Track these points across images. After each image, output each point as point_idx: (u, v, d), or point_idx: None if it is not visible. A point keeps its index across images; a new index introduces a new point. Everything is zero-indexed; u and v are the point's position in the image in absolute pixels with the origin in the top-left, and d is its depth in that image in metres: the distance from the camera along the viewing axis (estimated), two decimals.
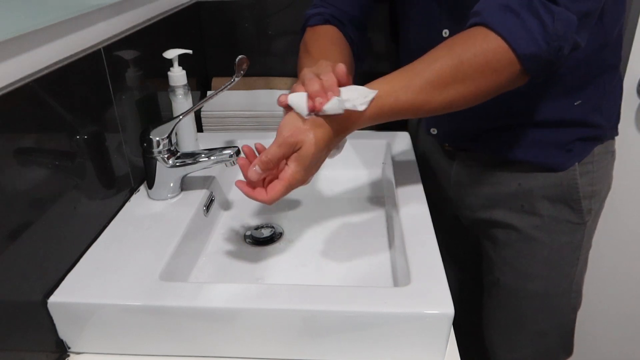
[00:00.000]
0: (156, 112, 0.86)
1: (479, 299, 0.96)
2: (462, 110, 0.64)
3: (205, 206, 0.79)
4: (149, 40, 0.83)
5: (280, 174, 0.60)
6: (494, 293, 0.90)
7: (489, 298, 0.92)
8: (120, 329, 0.58)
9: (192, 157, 0.76)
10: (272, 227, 0.82)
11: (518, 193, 0.81)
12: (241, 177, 0.62)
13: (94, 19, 0.68)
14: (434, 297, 0.56)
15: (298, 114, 0.59)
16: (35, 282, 0.56)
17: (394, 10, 0.89)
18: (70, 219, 0.62)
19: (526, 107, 0.76)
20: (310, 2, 0.86)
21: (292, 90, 0.62)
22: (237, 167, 0.73)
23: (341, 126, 0.60)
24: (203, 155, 0.75)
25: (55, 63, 0.60)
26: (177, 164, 0.75)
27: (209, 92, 1.11)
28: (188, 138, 0.88)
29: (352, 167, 0.99)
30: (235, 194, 0.92)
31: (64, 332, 0.59)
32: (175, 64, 0.81)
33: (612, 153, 0.84)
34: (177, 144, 0.80)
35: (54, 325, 0.58)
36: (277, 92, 1.08)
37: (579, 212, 0.80)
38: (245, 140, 0.94)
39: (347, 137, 0.65)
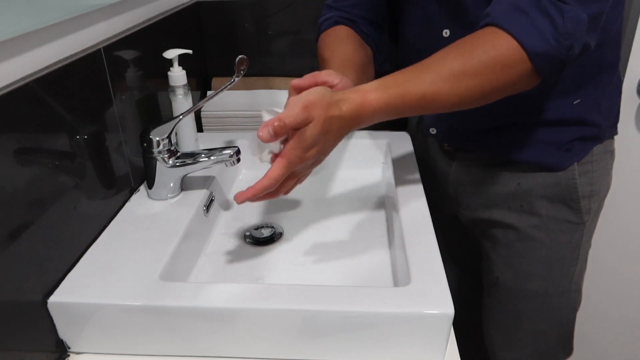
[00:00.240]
0: (156, 112, 0.86)
1: (478, 298, 0.96)
2: (461, 110, 0.64)
3: (205, 206, 0.79)
4: (149, 40, 0.83)
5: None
6: (493, 293, 0.90)
7: (489, 298, 0.92)
8: (120, 329, 0.58)
9: (192, 157, 0.76)
10: (272, 227, 0.82)
11: (517, 193, 0.81)
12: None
13: (94, 19, 0.68)
14: (434, 297, 0.56)
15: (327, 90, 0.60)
16: (35, 282, 0.56)
17: (394, 10, 0.89)
18: (70, 219, 0.62)
19: (525, 107, 0.76)
20: (310, 2, 0.86)
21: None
22: (237, 167, 0.73)
23: (352, 117, 0.60)
24: (203, 155, 0.75)
25: (55, 63, 0.60)
26: (177, 164, 0.75)
27: (209, 92, 1.10)
28: (188, 138, 0.88)
29: (352, 167, 0.99)
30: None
31: (64, 332, 0.59)
32: (175, 64, 0.81)
33: (612, 153, 0.84)
34: (177, 144, 0.80)
35: (54, 325, 0.58)
36: (277, 92, 1.08)
37: (578, 211, 0.81)
38: (245, 141, 0.94)
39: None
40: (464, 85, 0.60)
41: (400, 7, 0.86)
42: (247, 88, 1.09)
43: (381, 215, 0.85)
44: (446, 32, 0.76)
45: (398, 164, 0.89)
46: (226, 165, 0.76)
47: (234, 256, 0.76)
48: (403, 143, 0.97)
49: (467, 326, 0.87)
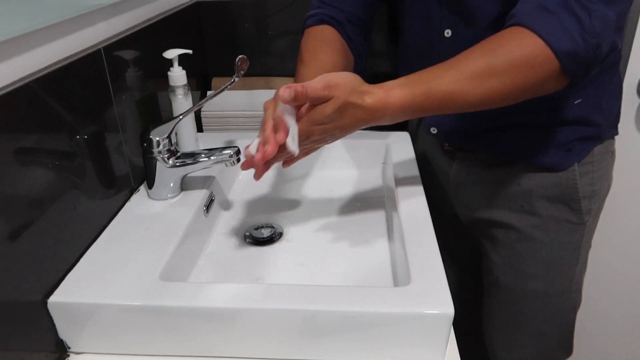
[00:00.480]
0: (156, 112, 0.86)
1: (478, 298, 0.96)
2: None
3: (205, 206, 0.79)
4: (149, 40, 0.83)
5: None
6: (493, 293, 0.90)
7: (489, 298, 0.92)
8: (120, 329, 0.58)
9: (192, 157, 0.76)
10: (272, 227, 0.82)
11: (517, 193, 0.81)
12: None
13: (94, 19, 0.68)
14: (434, 297, 0.56)
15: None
16: (35, 282, 0.56)
17: (393, 10, 0.89)
18: (70, 219, 0.62)
19: (526, 107, 0.76)
20: (310, 2, 0.86)
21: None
22: (237, 167, 0.73)
23: (372, 109, 0.59)
24: (203, 155, 0.75)
25: (55, 63, 0.60)
26: (177, 164, 0.75)
27: (209, 92, 1.10)
28: (188, 138, 0.88)
29: (352, 167, 0.99)
30: (235, 194, 0.92)
31: (64, 332, 0.59)
32: (175, 64, 0.81)
33: (612, 153, 0.84)
34: (177, 144, 0.80)
35: (54, 325, 0.58)
36: None
37: (579, 212, 0.81)
38: (246, 141, 0.94)
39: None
40: (489, 84, 0.59)
41: (400, 7, 0.85)
42: (247, 88, 1.09)
43: (381, 215, 0.85)
44: (448, 32, 0.76)
45: (398, 164, 0.89)
46: (226, 165, 0.76)
47: (234, 256, 0.76)
48: (403, 143, 0.97)
49: (467, 326, 0.87)
